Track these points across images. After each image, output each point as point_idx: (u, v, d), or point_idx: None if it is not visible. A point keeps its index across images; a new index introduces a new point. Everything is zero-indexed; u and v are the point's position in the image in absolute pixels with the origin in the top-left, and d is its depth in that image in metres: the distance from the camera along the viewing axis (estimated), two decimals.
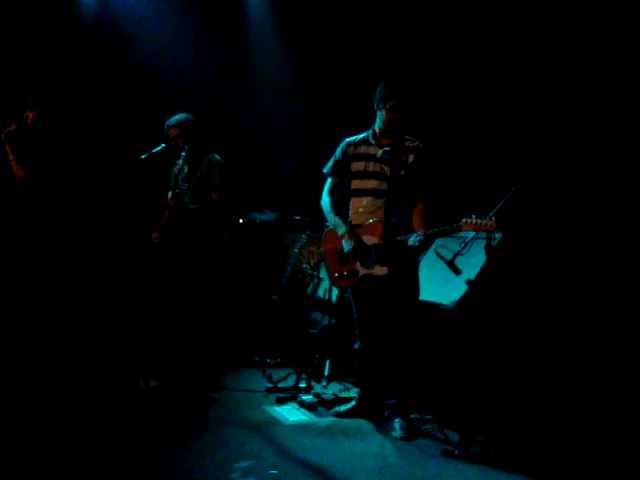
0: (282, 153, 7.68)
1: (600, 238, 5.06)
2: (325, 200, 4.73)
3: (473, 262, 4.57)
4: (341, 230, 4.53)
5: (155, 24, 6.90)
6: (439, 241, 4.89)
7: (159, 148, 5.15)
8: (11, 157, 4.62)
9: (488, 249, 4.18)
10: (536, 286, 5.07)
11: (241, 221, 6.89)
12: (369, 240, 4.43)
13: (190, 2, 7.12)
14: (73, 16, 6.59)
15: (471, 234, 4.29)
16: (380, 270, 4.37)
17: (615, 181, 4.96)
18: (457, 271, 4.27)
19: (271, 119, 7.68)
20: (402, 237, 4.29)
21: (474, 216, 4.04)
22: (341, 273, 4.55)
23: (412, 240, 4.24)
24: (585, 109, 5.15)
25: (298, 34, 7.46)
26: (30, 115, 4.63)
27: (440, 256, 4.35)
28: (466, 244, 4.28)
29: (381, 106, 4.46)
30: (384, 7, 6.68)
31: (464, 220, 4.06)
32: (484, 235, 4.18)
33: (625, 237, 4.92)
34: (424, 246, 4.53)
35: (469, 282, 4.42)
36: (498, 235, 4.63)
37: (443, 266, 4.36)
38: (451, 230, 4.15)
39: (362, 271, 4.44)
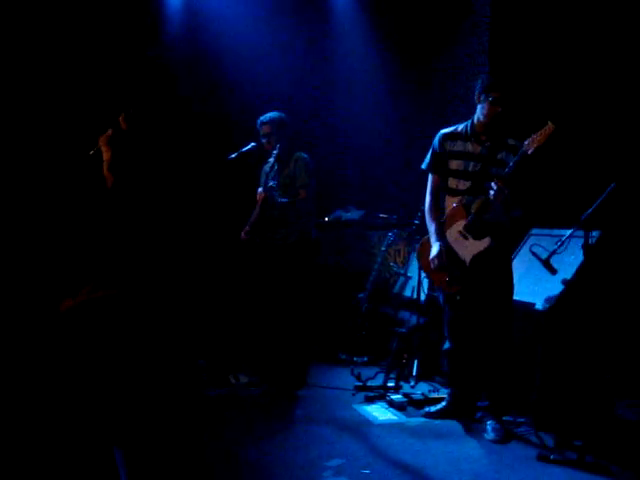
0: (369, 151, 7.64)
1: None
2: (426, 200, 4.56)
3: (570, 261, 4.43)
4: (432, 239, 4.44)
5: (247, 33, 6.99)
6: (533, 240, 4.79)
7: (249, 147, 5.22)
8: (106, 157, 4.71)
9: (586, 247, 4.05)
10: (636, 287, 4.89)
11: (327, 219, 6.90)
12: (458, 227, 4.31)
13: (280, 9, 7.18)
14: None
15: (567, 232, 4.16)
16: (482, 244, 4.22)
17: None
18: (553, 270, 4.15)
19: (358, 117, 7.65)
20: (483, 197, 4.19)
21: (532, 134, 3.99)
22: (450, 277, 4.36)
23: (493, 192, 4.08)
24: None
25: (386, 28, 7.42)
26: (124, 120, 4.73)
27: (535, 255, 4.24)
28: (562, 242, 4.15)
29: (483, 98, 4.24)
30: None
31: (527, 141, 4.01)
32: (581, 233, 4.04)
33: None
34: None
35: (565, 282, 4.28)
36: (596, 233, 4.46)
37: (538, 265, 4.25)
38: (522, 156, 4.03)
39: (468, 257, 4.27)
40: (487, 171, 4.28)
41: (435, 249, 4.36)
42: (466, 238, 4.29)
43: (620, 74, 5.35)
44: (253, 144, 5.27)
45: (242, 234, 5.31)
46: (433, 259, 4.35)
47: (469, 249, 4.28)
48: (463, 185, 4.35)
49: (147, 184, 4.46)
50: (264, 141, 5.29)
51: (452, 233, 4.36)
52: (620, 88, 5.35)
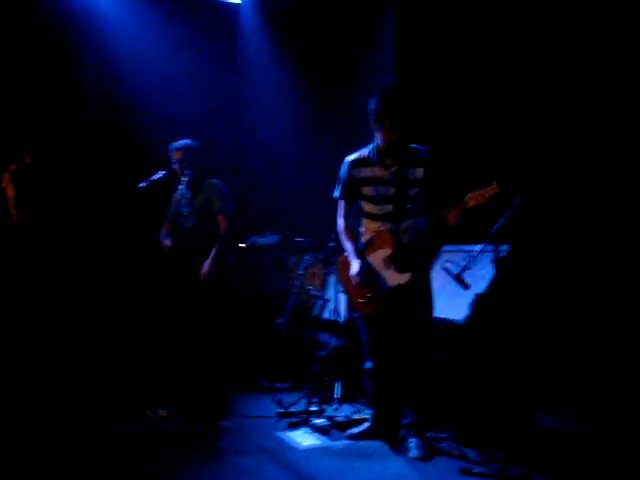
0: (281, 175, 7.65)
1: (608, 247, 5.03)
2: (339, 223, 4.59)
3: (481, 275, 4.52)
4: (351, 258, 4.44)
5: (148, 54, 6.90)
6: (446, 256, 4.86)
7: (159, 175, 5.16)
8: (11, 194, 4.57)
9: (496, 262, 4.14)
10: (546, 297, 5.03)
11: (243, 245, 6.85)
12: (382, 253, 4.33)
13: (183, 29, 7.15)
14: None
15: (478, 247, 4.24)
16: (403, 278, 4.26)
17: (622, 191, 4.95)
18: (465, 285, 4.22)
19: (269, 141, 7.66)
20: (417, 233, 4.24)
21: (475, 188, 4.00)
22: (366, 297, 4.39)
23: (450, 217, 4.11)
24: (590, 120, 5.15)
25: (294, 55, 7.47)
26: (27, 154, 4.60)
27: (447, 270, 4.30)
28: (473, 257, 4.23)
29: (377, 126, 4.26)
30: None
31: (468, 195, 4.01)
32: (491, 248, 4.13)
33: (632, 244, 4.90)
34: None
35: (478, 296, 4.36)
36: (505, 247, 4.57)
37: (450, 280, 4.31)
38: (460, 208, 4.04)
39: (386, 287, 4.31)
40: (404, 194, 4.32)
41: (356, 266, 4.37)
42: (388, 268, 4.32)
43: (524, 88, 5.54)
44: (163, 172, 5.21)
45: (165, 245, 5.22)
46: (354, 276, 4.36)
47: (391, 278, 4.31)
48: (384, 209, 4.38)
49: (52, 218, 4.37)
50: (176, 167, 5.23)
51: (376, 258, 4.37)
52: (522, 103, 5.54)
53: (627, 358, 5.05)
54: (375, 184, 4.39)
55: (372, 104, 4.28)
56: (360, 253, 4.42)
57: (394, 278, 4.29)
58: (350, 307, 5.33)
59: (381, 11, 6.55)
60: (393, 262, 4.29)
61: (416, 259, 4.30)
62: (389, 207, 4.36)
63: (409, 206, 4.34)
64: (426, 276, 4.42)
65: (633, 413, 4.88)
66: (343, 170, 4.51)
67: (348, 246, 4.49)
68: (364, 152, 4.47)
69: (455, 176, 5.01)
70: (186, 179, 5.11)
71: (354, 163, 4.46)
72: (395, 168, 4.34)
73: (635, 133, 5.03)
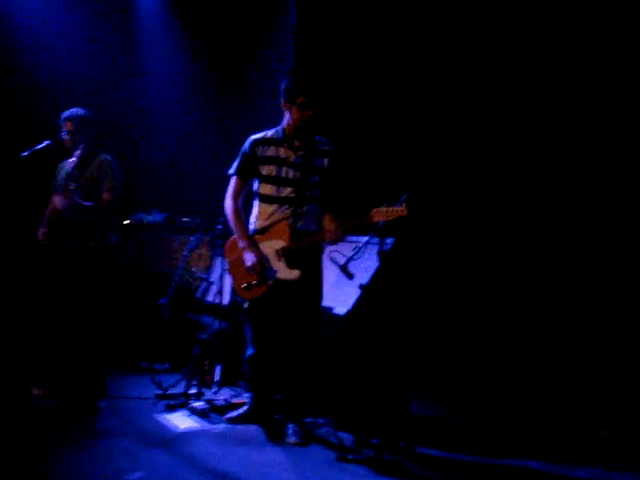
0: (171, 152, 7.54)
1: (484, 243, 5.27)
2: (229, 204, 4.48)
3: (366, 267, 4.63)
4: (242, 243, 4.38)
5: (45, 18, 6.66)
6: (332, 247, 4.93)
7: (43, 145, 4.93)
8: None
9: (381, 254, 4.25)
10: (427, 289, 5.21)
11: (128, 222, 6.71)
12: (276, 244, 4.32)
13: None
14: None
15: (364, 239, 4.34)
16: (291, 274, 4.27)
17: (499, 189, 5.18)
18: (350, 275, 4.30)
19: (164, 118, 7.52)
20: (320, 233, 4.26)
21: (384, 205, 4.02)
22: (249, 283, 4.36)
23: (331, 234, 4.17)
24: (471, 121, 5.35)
25: (190, 27, 7.37)
26: None
27: (333, 260, 4.38)
28: (359, 249, 4.32)
29: (290, 103, 4.25)
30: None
31: (375, 210, 4.03)
32: (377, 240, 4.23)
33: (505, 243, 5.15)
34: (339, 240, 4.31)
35: (362, 286, 4.46)
36: (390, 240, 4.70)
37: (336, 270, 4.39)
38: (362, 222, 4.09)
39: (271, 279, 4.32)
40: (307, 179, 4.33)
41: (251, 257, 4.30)
42: (279, 260, 4.31)
43: (412, 82, 5.68)
44: (48, 142, 4.99)
45: (39, 234, 5.02)
46: (250, 266, 4.30)
47: (279, 271, 4.31)
48: (283, 192, 4.35)
49: None
50: (65, 138, 5.03)
51: (268, 247, 4.36)
52: (412, 97, 5.69)
53: (496, 352, 5.31)
54: (278, 164, 4.36)
55: (285, 83, 4.30)
56: (253, 241, 4.38)
57: (283, 272, 4.30)
58: (235, 291, 5.33)
59: None
60: (285, 256, 4.29)
61: (307, 255, 4.32)
62: (290, 190, 4.34)
63: (309, 193, 4.36)
64: (316, 271, 4.45)
65: (501, 403, 5.15)
66: (245, 146, 4.44)
67: (239, 231, 4.42)
68: (269, 133, 4.44)
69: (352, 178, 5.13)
70: (79, 152, 4.91)
71: (258, 141, 4.41)
72: (302, 152, 4.35)
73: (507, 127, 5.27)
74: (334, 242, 4.23)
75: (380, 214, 4.03)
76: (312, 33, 6.25)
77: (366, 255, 4.38)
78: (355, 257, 4.30)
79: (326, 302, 4.68)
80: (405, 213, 3.98)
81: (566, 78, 5.02)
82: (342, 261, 4.30)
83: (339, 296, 4.72)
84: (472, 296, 5.45)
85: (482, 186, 5.39)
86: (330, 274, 4.70)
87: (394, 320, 4.70)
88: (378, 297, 4.60)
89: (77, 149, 4.97)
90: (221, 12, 7.20)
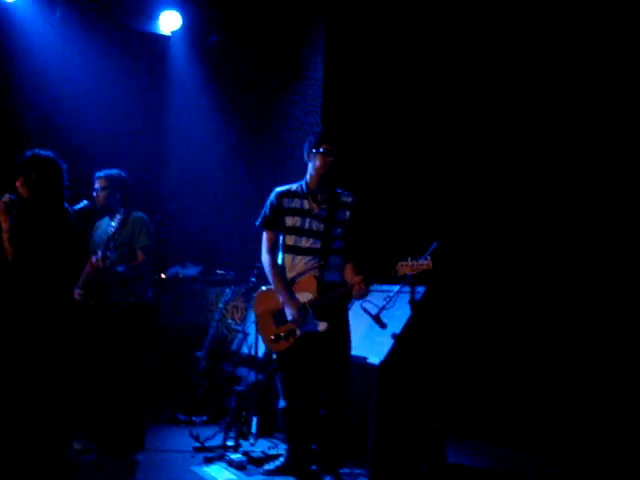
0: (204, 205, 7.67)
1: (518, 294, 5.25)
2: (266, 259, 4.55)
3: (398, 316, 4.65)
4: (282, 297, 4.42)
5: (79, 80, 6.88)
6: None
7: (81, 205, 5.07)
8: (5, 227, 4.32)
9: (413, 303, 4.28)
10: (460, 338, 5.21)
11: (163, 276, 6.82)
12: (304, 297, 4.35)
13: (114, 58, 7.15)
14: None
15: (395, 288, 4.38)
16: (320, 326, 4.29)
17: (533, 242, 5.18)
18: (383, 325, 4.34)
19: (195, 173, 7.69)
20: (345, 287, 4.29)
21: (409, 258, 4.07)
22: (277, 335, 4.41)
23: (357, 289, 4.20)
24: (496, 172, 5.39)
25: (223, 87, 7.56)
26: (19, 183, 4.36)
27: (365, 310, 4.41)
28: (391, 298, 4.36)
29: (314, 152, 4.39)
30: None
31: (400, 263, 4.08)
32: (408, 289, 4.27)
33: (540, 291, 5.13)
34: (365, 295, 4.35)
35: (395, 336, 4.48)
36: (422, 289, 4.73)
37: (368, 320, 4.42)
38: (389, 275, 4.14)
39: (300, 330, 4.36)
40: (330, 232, 4.42)
41: (292, 312, 4.33)
42: (306, 312, 4.35)
43: (445, 132, 5.75)
44: (86, 202, 5.14)
45: (75, 294, 5.13)
46: (293, 321, 4.34)
47: (307, 323, 4.35)
48: (307, 243, 4.43)
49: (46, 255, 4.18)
50: (96, 195, 5.17)
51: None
52: (441, 147, 5.76)
53: (536, 399, 5.25)
54: (302, 216, 4.45)
55: (310, 138, 4.50)
56: (293, 294, 4.40)
57: (310, 324, 4.34)
58: None
59: (312, 51, 6.70)
60: (313, 308, 4.34)
61: (334, 307, 4.36)
62: (315, 242, 4.42)
63: (333, 245, 4.44)
64: (343, 321, 4.47)
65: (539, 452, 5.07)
66: (272, 199, 4.56)
67: (279, 285, 4.45)
68: (293, 186, 4.56)
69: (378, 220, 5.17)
70: (120, 216, 5.03)
71: (283, 194, 4.53)
72: (325, 205, 4.46)
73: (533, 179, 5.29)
74: (361, 297, 4.29)
75: (406, 268, 4.09)
76: (339, 87, 6.37)
77: (398, 304, 4.41)
78: (387, 306, 4.34)
79: (359, 352, 4.70)
80: (430, 267, 4.04)
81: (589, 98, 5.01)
82: (374, 311, 4.34)
83: (372, 346, 4.74)
84: (507, 342, 5.41)
85: (512, 232, 5.39)
86: (363, 324, 4.73)
87: (428, 369, 4.69)
88: (411, 346, 4.61)
89: (111, 208, 5.11)
90: (250, 67, 7.37)
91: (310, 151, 4.44)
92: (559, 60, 5.10)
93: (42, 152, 4.35)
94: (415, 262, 4.06)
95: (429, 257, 4.04)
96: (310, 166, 4.48)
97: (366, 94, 6.22)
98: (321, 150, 4.37)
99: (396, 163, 5.98)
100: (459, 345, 5.37)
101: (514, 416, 5.26)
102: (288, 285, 4.45)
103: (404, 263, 4.08)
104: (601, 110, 4.89)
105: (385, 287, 4.63)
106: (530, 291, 5.24)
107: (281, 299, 4.43)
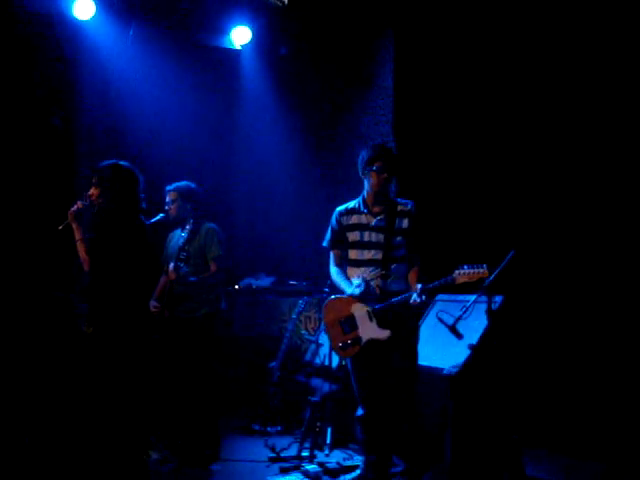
0: (277, 217, 7.73)
1: (598, 302, 5.11)
2: (333, 270, 4.66)
3: (475, 326, 4.58)
4: (349, 290, 4.47)
5: (153, 97, 7.01)
6: (440, 305, 4.92)
7: (158, 217, 5.19)
8: (77, 236, 4.41)
9: (489, 313, 4.21)
10: (539, 349, 5.09)
11: (237, 287, 6.89)
12: (367, 306, 4.39)
13: (187, 74, 7.29)
14: None
15: (472, 298, 4.31)
16: (382, 333, 4.33)
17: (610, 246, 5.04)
18: (459, 335, 4.27)
19: (267, 184, 7.76)
20: (403, 296, 4.29)
21: (466, 266, 4.07)
22: (345, 343, 4.45)
23: (413, 298, 4.21)
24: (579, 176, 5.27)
25: (293, 101, 7.61)
26: (94, 192, 4.36)
27: (441, 320, 4.36)
28: (467, 308, 4.29)
29: (368, 170, 4.44)
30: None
31: (457, 272, 4.09)
32: (485, 299, 4.20)
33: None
34: (426, 304, 4.43)
35: (471, 347, 4.42)
36: (499, 298, 4.65)
37: (444, 330, 4.36)
38: (445, 283, 4.15)
39: (365, 337, 4.39)
40: (390, 241, 4.44)
41: (356, 287, 4.40)
42: (371, 320, 4.38)
43: (516, 141, 5.66)
44: (162, 215, 5.25)
45: (151, 306, 5.23)
46: (360, 286, 4.39)
47: (370, 331, 4.38)
48: (368, 255, 4.46)
49: (122, 267, 4.26)
50: (168, 208, 5.27)
51: (360, 307, 4.43)
52: (515, 154, 5.66)
53: (617, 410, 5.09)
54: (361, 229, 4.51)
55: (362, 152, 4.52)
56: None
57: (374, 332, 4.36)
58: None
59: (381, 61, 6.69)
60: (376, 316, 4.36)
61: (398, 315, 4.35)
62: (376, 253, 4.45)
63: (394, 254, 4.45)
64: (409, 330, 4.47)
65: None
66: (332, 220, 4.66)
67: (343, 283, 4.54)
68: (351, 204, 4.64)
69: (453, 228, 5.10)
70: (190, 227, 5.12)
71: (342, 212, 4.62)
72: (382, 216, 4.48)
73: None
74: (419, 306, 4.28)
75: (463, 277, 4.09)
76: (409, 96, 6.34)
77: (474, 314, 4.34)
78: (464, 316, 4.28)
79: (435, 362, 4.66)
80: (487, 275, 4.03)
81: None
82: (450, 321, 4.28)
83: (449, 356, 4.68)
84: (587, 351, 5.27)
85: (591, 240, 5.26)
86: (439, 334, 4.67)
87: (505, 380, 4.60)
88: (488, 357, 4.53)
89: (182, 220, 5.19)
90: (319, 79, 7.41)
91: (364, 169, 4.48)
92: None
93: (122, 162, 4.39)
94: (471, 270, 4.06)
95: (485, 265, 4.03)
96: (366, 183, 4.53)
97: (436, 102, 6.17)
98: (374, 168, 4.41)
99: (471, 170, 5.90)
100: (537, 355, 5.25)
101: (595, 427, 5.11)
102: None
103: (461, 272, 4.09)
104: None
105: (461, 297, 4.57)
106: (611, 300, 5.09)
107: (348, 292, 4.47)
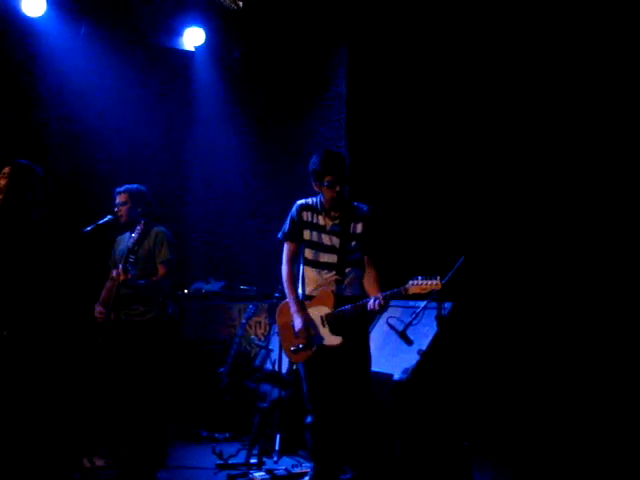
0: (227, 221, 7.67)
1: (547, 308, 5.17)
2: (284, 269, 4.54)
3: (425, 332, 4.59)
4: (292, 308, 4.41)
5: (103, 96, 6.92)
6: (390, 311, 4.90)
7: (105, 219, 5.09)
8: None
9: (439, 319, 4.22)
10: (487, 354, 5.12)
11: (186, 292, 6.80)
12: (321, 310, 4.33)
13: (138, 73, 7.21)
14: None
15: (422, 304, 4.32)
16: (334, 340, 4.27)
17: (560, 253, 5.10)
18: (409, 341, 4.27)
19: (216, 188, 7.70)
20: (360, 302, 4.23)
21: (420, 277, 4.03)
22: (297, 347, 4.37)
23: (371, 304, 4.14)
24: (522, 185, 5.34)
25: (245, 102, 7.60)
26: (2, 182, 4.33)
27: (391, 327, 4.36)
28: (417, 314, 4.30)
29: (318, 183, 4.38)
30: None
31: (410, 282, 4.04)
32: (435, 305, 4.21)
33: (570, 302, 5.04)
34: (384, 309, 4.30)
35: (421, 352, 4.42)
36: (448, 305, 4.66)
37: (394, 336, 4.36)
38: (398, 293, 4.09)
39: (317, 342, 4.31)
40: (346, 246, 4.39)
41: (299, 322, 4.32)
42: (324, 326, 4.33)
43: (467, 144, 5.71)
44: (109, 216, 5.15)
45: (95, 313, 5.11)
46: (299, 332, 4.31)
47: (324, 338, 4.31)
48: (324, 257, 4.41)
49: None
50: (118, 210, 5.17)
51: (314, 313, 4.37)
52: (464, 160, 5.71)
53: (563, 416, 5.15)
54: (318, 230, 4.45)
55: (312, 164, 4.41)
56: (303, 306, 4.41)
57: (327, 338, 4.30)
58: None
59: (335, 66, 6.70)
60: (328, 322, 4.30)
61: (351, 322, 4.30)
62: (331, 257, 4.40)
63: (349, 258, 4.40)
64: (362, 337, 4.42)
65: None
66: (293, 211, 4.54)
67: (292, 297, 4.46)
68: (312, 200, 4.55)
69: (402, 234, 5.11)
70: (140, 228, 5.02)
71: (304, 206, 4.52)
72: (337, 221, 4.43)
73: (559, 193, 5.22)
74: (378, 312, 4.24)
75: (416, 288, 4.04)
76: (362, 102, 6.36)
77: (424, 320, 4.35)
78: (414, 322, 4.28)
79: (385, 368, 4.64)
80: (440, 287, 3.98)
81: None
82: (400, 327, 4.28)
83: (398, 362, 4.67)
84: (533, 357, 5.32)
85: (541, 247, 5.32)
86: (388, 340, 4.67)
87: (454, 386, 4.61)
88: (437, 363, 4.54)
89: (132, 222, 5.10)
90: (273, 83, 7.39)
91: (316, 182, 4.41)
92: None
93: (35, 166, 4.35)
94: (425, 282, 4.01)
95: (439, 277, 3.99)
96: (320, 194, 4.47)
97: (388, 107, 6.19)
98: (325, 184, 4.34)
99: (421, 176, 5.93)
100: (486, 362, 5.29)
101: (542, 438, 5.16)
102: (299, 298, 4.45)
103: (414, 283, 4.04)
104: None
105: (412, 302, 4.57)
106: (559, 306, 5.15)
107: (292, 309, 4.41)
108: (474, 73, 5.68)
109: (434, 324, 4.36)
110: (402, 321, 4.31)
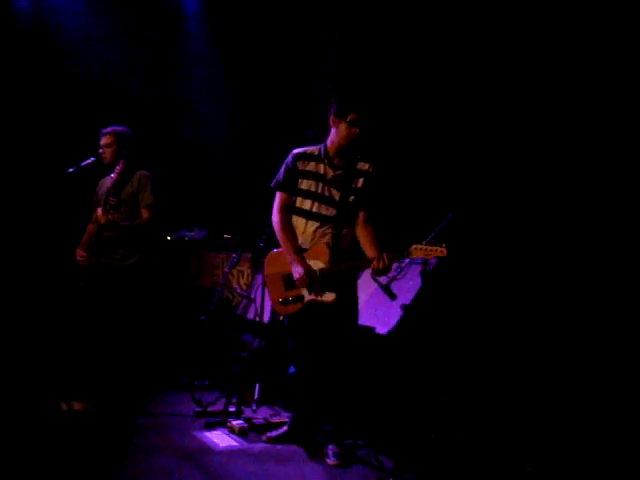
0: (213, 168, 7.58)
1: (531, 264, 5.15)
2: (277, 219, 4.40)
3: (409, 287, 4.57)
4: (290, 257, 4.29)
5: (92, 39, 6.80)
6: None
7: (88, 161, 5.03)
8: None
9: (424, 274, 4.19)
10: (471, 310, 5.11)
11: (169, 238, 6.73)
12: (315, 265, 4.23)
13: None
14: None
15: (407, 259, 4.29)
16: (328, 296, 4.18)
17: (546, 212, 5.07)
18: (393, 296, 4.26)
19: (201, 132, 7.58)
20: (364, 261, 4.13)
21: (424, 242, 3.95)
22: (286, 299, 4.31)
23: (376, 264, 4.02)
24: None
25: (233, 41, 7.47)
26: None
27: (375, 280, 4.34)
28: (402, 269, 4.28)
29: (339, 119, 4.20)
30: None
31: (415, 246, 3.94)
32: (419, 261, 4.18)
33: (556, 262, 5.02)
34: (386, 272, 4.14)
35: (404, 307, 4.41)
36: (433, 260, 4.63)
37: (378, 291, 4.35)
38: (402, 256, 4.01)
39: (308, 297, 4.25)
40: (346, 199, 4.28)
41: (300, 270, 4.21)
42: (317, 279, 4.23)
43: (458, 105, 5.64)
44: (92, 158, 5.07)
45: (77, 256, 5.05)
46: (299, 280, 4.22)
47: (314, 292, 4.23)
48: (322, 209, 4.29)
49: None
50: (102, 151, 5.09)
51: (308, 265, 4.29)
52: (455, 118, 5.64)
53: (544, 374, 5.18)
54: (317, 180, 4.31)
55: (337, 102, 4.28)
56: (302, 255, 4.29)
57: (318, 293, 4.22)
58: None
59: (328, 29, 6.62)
60: (321, 277, 4.21)
61: (343, 278, 4.23)
62: (330, 210, 4.29)
63: (349, 212, 4.30)
64: (351, 293, 4.34)
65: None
66: (288, 160, 4.39)
67: (288, 245, 4.32)
68: (311, 148, 4.40)
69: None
70: (119, 168, 4.94)
71: (300, 155, 4.36)
72: (340, 172, 4.31)
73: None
74: (381, 274, 4.10)
75: (420, 252, 3.94)
76: (354, 61, 6.32)
77: (409, 275, 4.34)
78: (398, 277, 4.27)
79: (368, 322, 4.63)
80: (445, 254, 3.90)
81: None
82: (384, 281, 4.27)
83: (381, 316, 4.67)
84: (518, 315, 5.33)
85: (527, 203, 5.29)
86: (372, 294, 4.65)
87: (437, 340, 4.62)
88: (421, 317, 4.53)
89: (116, 165, 5.01)
90: (267, 38, 7.28)
91: (336, 115, 4.24)
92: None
93: None
94: (430, 247, 3.92)
95: (444, 244, 3.91)
96: (333, 132, 4.29)
97: (378, 82, 6.13)
98: (347, 119, 4.17)
99: (409, 138, 5.87)
100: (469, 317, 5.29)
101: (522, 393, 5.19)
102: (298, 247, 4.33)
103: (419, 247, 3.93)
104: None
105: None
106: (550, 267, 5.14)
107: (289, 259, 4.30)
108: (460, 51, 5.61)
109: (419, 279, 4.35)
110: (386, 275, 4.27)
